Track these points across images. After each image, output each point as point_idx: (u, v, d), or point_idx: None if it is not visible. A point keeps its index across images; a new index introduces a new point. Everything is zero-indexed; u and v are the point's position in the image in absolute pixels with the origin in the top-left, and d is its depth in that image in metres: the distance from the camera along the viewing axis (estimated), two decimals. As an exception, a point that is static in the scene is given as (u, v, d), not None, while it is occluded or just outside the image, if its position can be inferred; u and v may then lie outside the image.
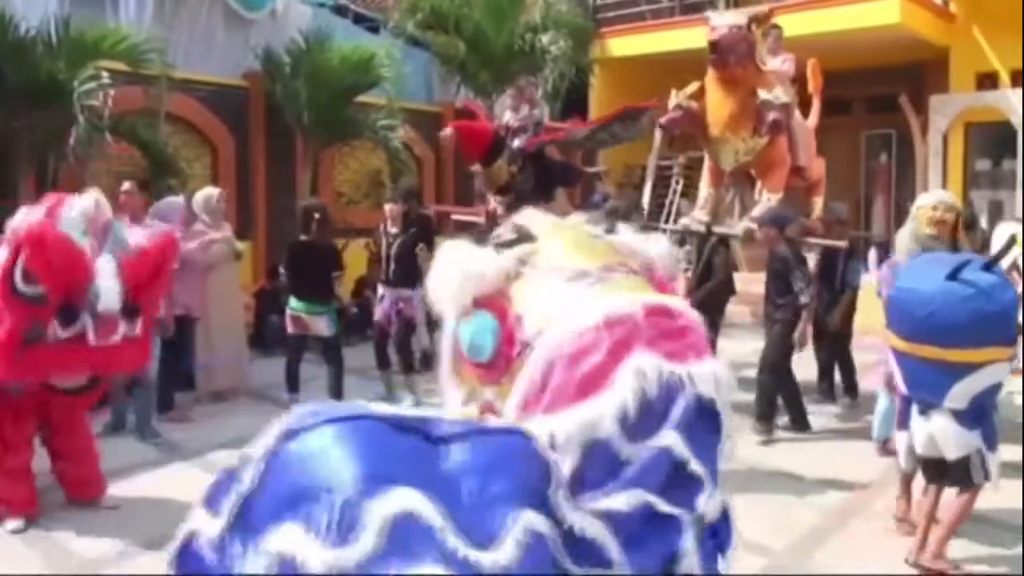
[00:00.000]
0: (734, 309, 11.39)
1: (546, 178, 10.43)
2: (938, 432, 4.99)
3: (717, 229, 9.60)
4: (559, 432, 2.79)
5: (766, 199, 9.28)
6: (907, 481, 5.74)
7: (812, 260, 9.08)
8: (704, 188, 9.97)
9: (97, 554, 5.56)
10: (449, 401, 3.37)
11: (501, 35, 14.69)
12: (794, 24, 11.67)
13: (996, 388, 4.99)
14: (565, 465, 2.73)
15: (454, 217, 11.03)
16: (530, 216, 3.56)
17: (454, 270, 3.33)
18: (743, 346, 9.90)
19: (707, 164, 9.95)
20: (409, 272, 8.95)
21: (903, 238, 5.86)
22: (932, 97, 15.43)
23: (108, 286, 5.54)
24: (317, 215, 8.80)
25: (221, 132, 12.82)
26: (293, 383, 8.76)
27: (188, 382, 9.15)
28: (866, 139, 17.65)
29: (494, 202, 9.02)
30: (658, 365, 2.89)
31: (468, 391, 3.32)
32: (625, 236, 3.56)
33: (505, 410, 3.06)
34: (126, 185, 8.03)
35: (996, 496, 5.25)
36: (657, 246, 3.55)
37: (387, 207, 9.34)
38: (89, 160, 10.13)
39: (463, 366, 3.33)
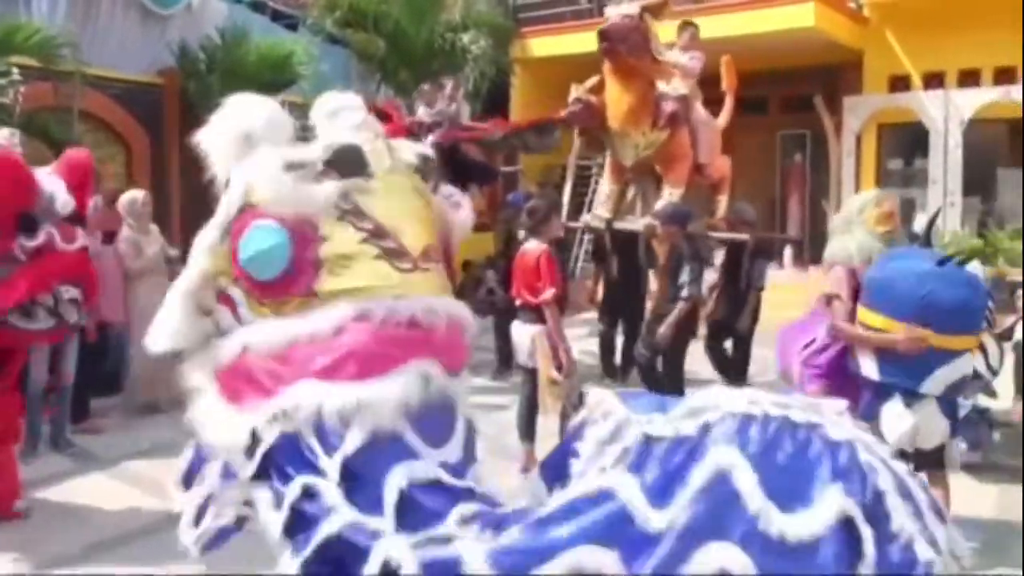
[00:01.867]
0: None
1: (460, 175, 10.45)
2: (925, 421, 4.98)
3: (618, 225, 9.64)
4: (342, 403, 2.78)
5: (668, 195, 9.32)
6: None
7: (718, 259, 9.17)
8: (606, 184, 10.01)
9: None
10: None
11: (421, 33, 14.64)
12: (712, 26, 11.84)
13: (967, 377, 5.10)
14: (349, 440, 2.77)
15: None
16: (368, 140, 3.30)
17: (274, 174, 3.10)
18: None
19: (608, 159, 9.99)
20: None
21: (848, 248, 5.50)
22: (846, 98, 15.82)
23: (55, 188, 5.58)
24: None
25: (135, 130, 12.57)
26: None
27: (107, 389, 8.92)
28: (781, 139, 17.98)
29: None
30: (442, 378, 2.95)
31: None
32: (440, 198, 3.56)
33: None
34: None
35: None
36: (461, 215, 3.61)
37: None
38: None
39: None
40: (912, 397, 4.98)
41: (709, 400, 2.80)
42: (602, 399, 2.94)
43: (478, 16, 15.20)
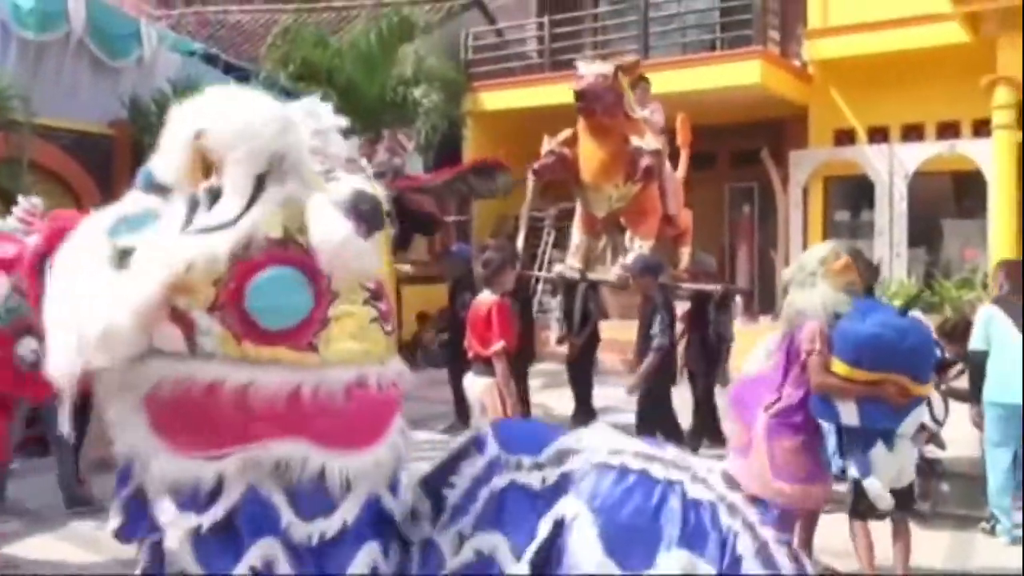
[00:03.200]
0: (604, 356, 11.54)
1: (405, 225, 10.50)
2: (908, 459, 5.36)
3: (592, 276, 9.74)
4: (349, 468, 2.84)
5: (638, 246, 9.44)
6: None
7: (681, 310, 9.22)
8: (576, 235, 10.10)
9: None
10: None
11: (373, 87, 14.75)
12: (662, 82, 12.02)
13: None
14: (348, 506, 2.84)
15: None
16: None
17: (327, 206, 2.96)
18: (615, 392, 9.99)
19: (579, 211, 10.10)
20: None
21: (814, 302, 5.43)
22: (792, 152, 16.10)
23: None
24: None
25: (85, 181, 12.44)
26: None
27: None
28: (729, 191, 18.22)
29: None
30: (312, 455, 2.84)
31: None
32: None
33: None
34: None
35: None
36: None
37: None
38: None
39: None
40: (888, 439, 5.23)
41: (576, 443, 2.91)
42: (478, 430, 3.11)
43: (429, 70, 15.29)
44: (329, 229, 2.83)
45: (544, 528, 2.70)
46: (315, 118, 3.32)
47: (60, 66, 12.25)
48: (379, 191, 3.25)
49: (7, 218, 5.76)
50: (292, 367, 2.79)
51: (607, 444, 2.90)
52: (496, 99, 17.06)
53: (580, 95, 9.07)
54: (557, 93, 14.08)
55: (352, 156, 3.30)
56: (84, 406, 7.13)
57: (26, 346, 5.14)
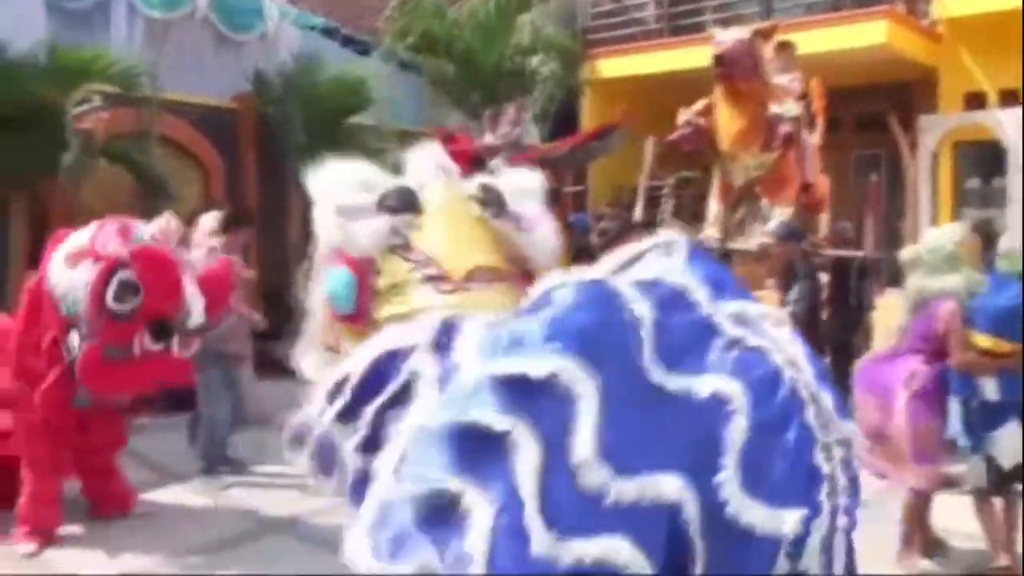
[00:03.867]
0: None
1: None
2: None
3: (732, 245, 9.60)
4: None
5: (778, 214, 9.27)
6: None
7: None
8: (714, 205, 9.97)
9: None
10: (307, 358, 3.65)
11: (491, 57, 14.74)
12: (784, 44, 11.70)
13: None
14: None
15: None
16: (424, 177, 3.88)
17: (332, 220, 3.68)
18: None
19: (717, 180, 9.97)
20: None
21: (956, 284, 5.37)
22: (921, 117, 15.53)
23: (196, 303, 5.76)
24: None
25: (212, 154, 12.78)
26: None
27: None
28: (856, 158, 17.70)
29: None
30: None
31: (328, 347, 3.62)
32: (506, 224, 3.81)
33: None
34: None
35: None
36: (535, 235, 3.85)
37: None
38: (81, 183, 10.06)
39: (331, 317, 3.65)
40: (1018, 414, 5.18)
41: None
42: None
43: (547, 39, 15.21)
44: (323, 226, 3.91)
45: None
46: None
47: (186, 43, 12.55)
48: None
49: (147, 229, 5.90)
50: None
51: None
52: (614, 66, 16.85)
53: (718, 60, 8.97)
54: (676, 58, 13.91)
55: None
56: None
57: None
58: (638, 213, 12.99)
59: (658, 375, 2.63)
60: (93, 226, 5.85)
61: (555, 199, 12.58)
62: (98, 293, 5.42)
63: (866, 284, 9.03)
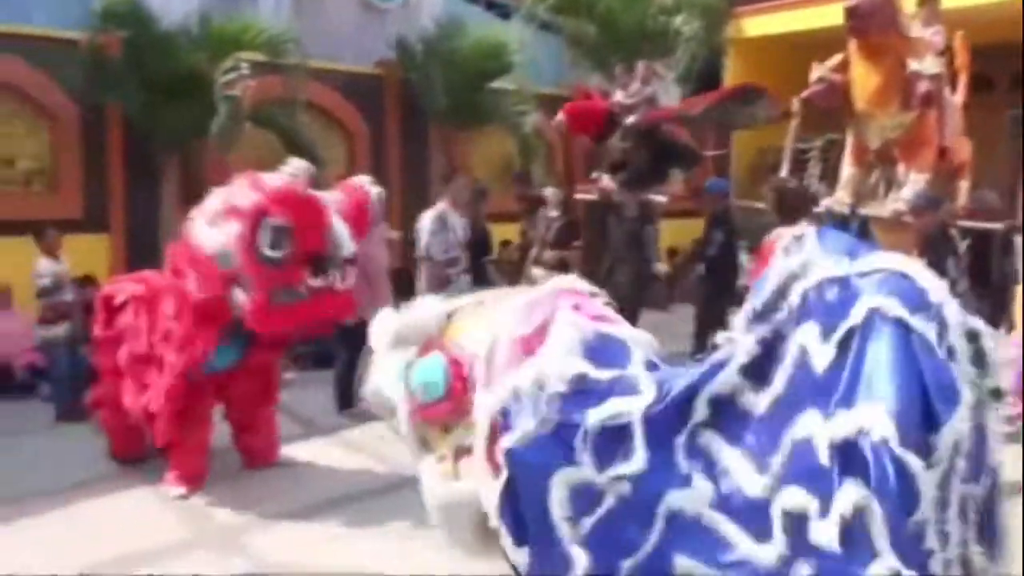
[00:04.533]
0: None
1: (660, 158, 10.33)
2: None
3: (863, 211, 9.27)
4: (535, 374, 3.19)
5: (913, 180, 8.88)
6: None
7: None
8: (847, 167, 9.60)
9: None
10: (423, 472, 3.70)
11: (632, 17, 14.52)
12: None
13: None
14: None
15: (578, 196, 10.99)
16: None
17: (391, 335, 3.82)
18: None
19: (850, 141, 9.61)
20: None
21: None
22: (1083, 74, 14.70)
23: (343, 233, 5.93)
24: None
25: (356, 120, 13.06)
26: None
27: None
28: (1010, 119, 16.88)
29: (607, 180, 8.89)
30: (586, 322, 3.35)
31: (439, 452, 3.68)
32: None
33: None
34: None
35: None
36: None
37: (548, 191, 9.25)
38: (230, 148, 10.43)
39: (426, 422, 3.68)
40: None
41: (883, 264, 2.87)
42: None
43: (690, -3, 14.93)
44: None
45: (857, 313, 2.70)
46: None
47: (331, 11, 12.81)
48: None
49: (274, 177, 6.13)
50: None
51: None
52: (759, 24, 16.41)
53: (851, 13, 8.56)
54: (824, 16, 13.41)
55: None
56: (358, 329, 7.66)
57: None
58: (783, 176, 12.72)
59: None
60: (223, 188, 6.07)
61: (695, 161, 12.47)
62: (250, 243, 5.61)
63: (1009, 258, 8.53)
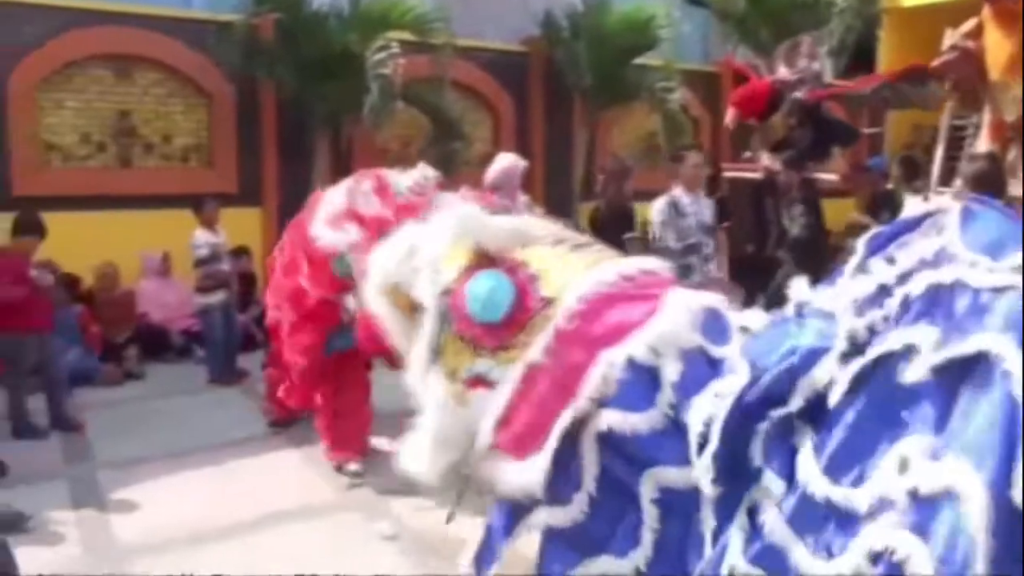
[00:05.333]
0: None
1: (823, 135, 10.03)
2: None
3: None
4: (646, 345, 2.99)
5: (1049, 157, 8.40)
6: None
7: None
8: (982, 143, 9.19)
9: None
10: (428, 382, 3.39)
11: (783, -12, 14.20)
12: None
13: None
14: (669, 370, 2.93)
15: (729, 175, 10.80)
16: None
17: (459, 224, 3.45)
18: None
19: (986, 115, 9.17)
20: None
21: None
22: None
23: None
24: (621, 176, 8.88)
25: (501, 96, 13.15)
26: None
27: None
28: None
29: (767, 159, 8.70)
30: (694, 294, 3.21)
31: (453, 368, 3.35)
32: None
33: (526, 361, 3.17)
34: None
35: None
36: None
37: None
38: (381, 125, 10.65)
39: (460, 334, 3.35)
40: None
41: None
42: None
43: (844, -34, 14.49)
44: None
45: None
46: None
47: (479, -12, 12.90)
48: None
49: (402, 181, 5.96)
50: None
51: None
52: (916, -7, 15.85)
53: (983, -26, 8.17)
54: (984, -17, 12.87)
55: None
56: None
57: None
58: (938, 156, 12.25)
59: None
60: (347, 183, 5.99)
61: (854, 139, 12.10)
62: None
63: None
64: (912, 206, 2.85)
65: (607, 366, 3.02)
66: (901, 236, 2.72)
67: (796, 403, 2.62)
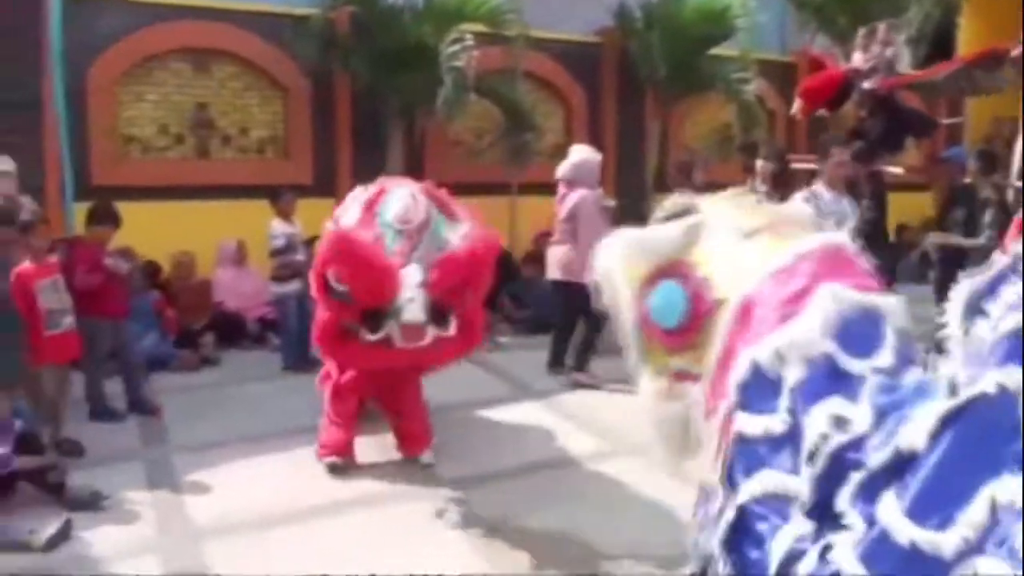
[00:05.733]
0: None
1: (896, 125, 9.83)
2: None
3: None
4: (773, 349, 2.92)
5: None
6: None
7: None
8: None
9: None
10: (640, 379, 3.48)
11: (862, -24, 13.95)
12: None
13: None
14: (791, 376, 2.86)
15: (795, 166, 10.64)
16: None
17: (627, 247, 3.48)
18: None
19: None
20: None
21: None
22: None
23: (412, 298, 5.31)
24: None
25: (574, 88, 13.13)
26: None
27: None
28: None
29: (837, 152, 8.53)
30: (850, 293, 2.98)
31: (656, 367, 3.44)
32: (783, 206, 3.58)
33: (706, 363, 3.21)
34: None
35: None
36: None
37: (759, 164, 8.97)
38: (455, 117, 10.70)
39: (650, 339, 3.44)
40: None
41: None
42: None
43: (926, -47, 14.18)
44: None
45: None
46: None
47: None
48: None
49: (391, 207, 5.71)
50: None
51: None
52: (999, -20, 15.45)
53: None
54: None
55: None
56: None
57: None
58: (1019, 150, 11.97)
59: None
60: (357, 189, 6.11)
61: (930, 130, 11.84)
62: (321, 273, 5.52)
63: None
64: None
65: (739, 368, 3.07)
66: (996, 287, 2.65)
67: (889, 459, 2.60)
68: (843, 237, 3.28)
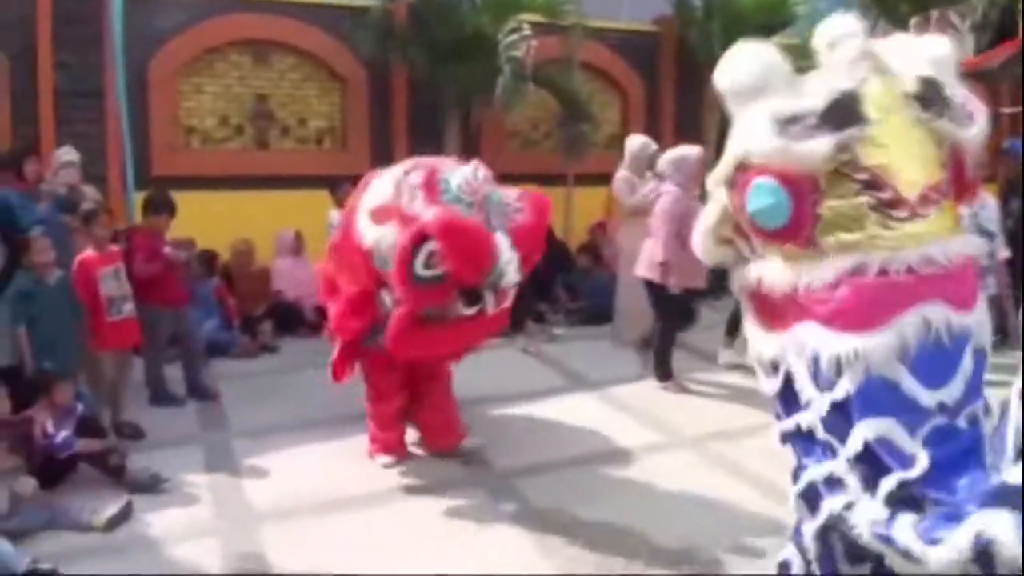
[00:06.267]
0: None
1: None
2: None
3: None
4: (840, 351, 2.94)
5: None
6: None
7: None
8: None
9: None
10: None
11: (925, -39, 13.72)
12: None
13: None
14: (841, 386, 2.94)
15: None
16: (864, 76, 3.17)
17: (764, 132, 3.15)
18: None
19: None
20: None
21: None
22: None
23: (509, 261, 5.30)
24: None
25: (631, 78, 13.07)
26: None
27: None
28: None
29: None
30: (946, 316, 2.92)
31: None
32: (948, 125, 3.17)
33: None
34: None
35: None
36: (970, 132, 3.22)
37: None
38: (512, 107, 10.70)
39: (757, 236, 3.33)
40: None
41: None
42: None
43: (987, -62, 13.90)
44: (756, 138, 3.19)
45: None
46: None
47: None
48: None
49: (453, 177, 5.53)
50: (790, 262, 3.16)
51: None
52: (1069, -33, 15.10)
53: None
54: None
55: None
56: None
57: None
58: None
59: None
60: (396, 173, 5.63)
61: (993, 120, 11.58)
62: (406, 262, 5.20)
63: None
64: None
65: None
66: None
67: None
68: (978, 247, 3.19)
